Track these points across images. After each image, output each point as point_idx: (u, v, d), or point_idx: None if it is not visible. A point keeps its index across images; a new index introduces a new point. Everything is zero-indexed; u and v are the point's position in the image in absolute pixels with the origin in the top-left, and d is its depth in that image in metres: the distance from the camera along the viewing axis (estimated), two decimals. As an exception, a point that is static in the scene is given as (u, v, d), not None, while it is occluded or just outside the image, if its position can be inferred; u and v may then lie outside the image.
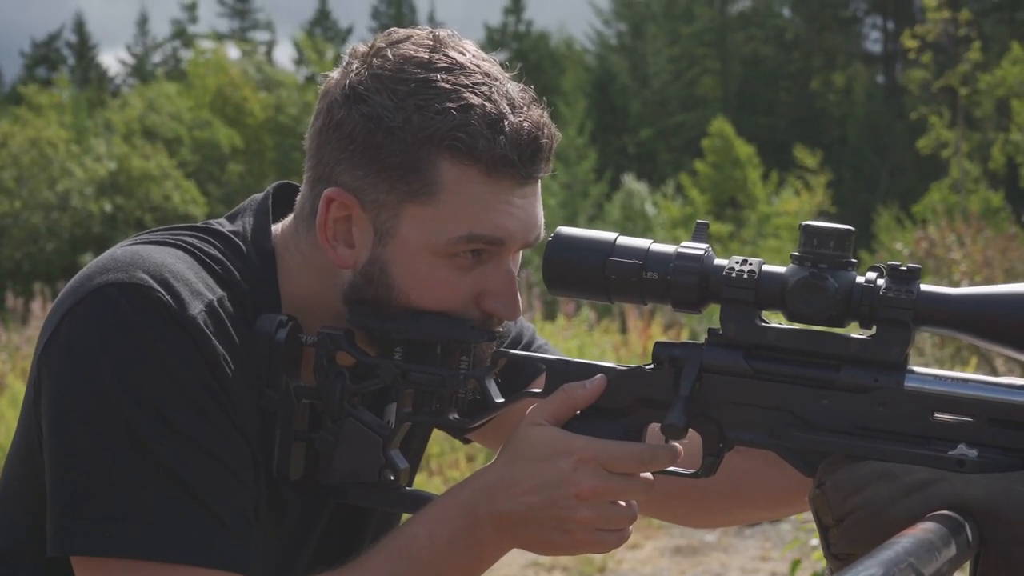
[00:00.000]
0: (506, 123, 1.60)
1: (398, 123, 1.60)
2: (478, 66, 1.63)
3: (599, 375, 1.61)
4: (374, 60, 1.64)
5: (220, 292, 1.63)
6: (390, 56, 1.63)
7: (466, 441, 1.96)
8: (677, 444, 1.59)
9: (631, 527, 1.61)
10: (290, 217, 1.74)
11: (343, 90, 1.64)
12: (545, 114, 1.65)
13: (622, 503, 1.58)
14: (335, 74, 1.68)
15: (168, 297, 1.57)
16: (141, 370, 1.55)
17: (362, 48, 1.68)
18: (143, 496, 1.54)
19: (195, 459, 1.55)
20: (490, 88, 1.62)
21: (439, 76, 1.61)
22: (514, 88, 1.64)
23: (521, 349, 1.89)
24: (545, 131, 1.63)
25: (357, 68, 1.64)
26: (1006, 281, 12.35)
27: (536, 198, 1.67)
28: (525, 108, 1.63)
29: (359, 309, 1.67)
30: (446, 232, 1.61)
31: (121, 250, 1.64)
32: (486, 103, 1.60)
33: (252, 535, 1.61)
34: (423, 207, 1.61)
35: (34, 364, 1.63)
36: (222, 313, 1.61)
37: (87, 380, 1.55)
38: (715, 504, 1.89)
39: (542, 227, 1.68)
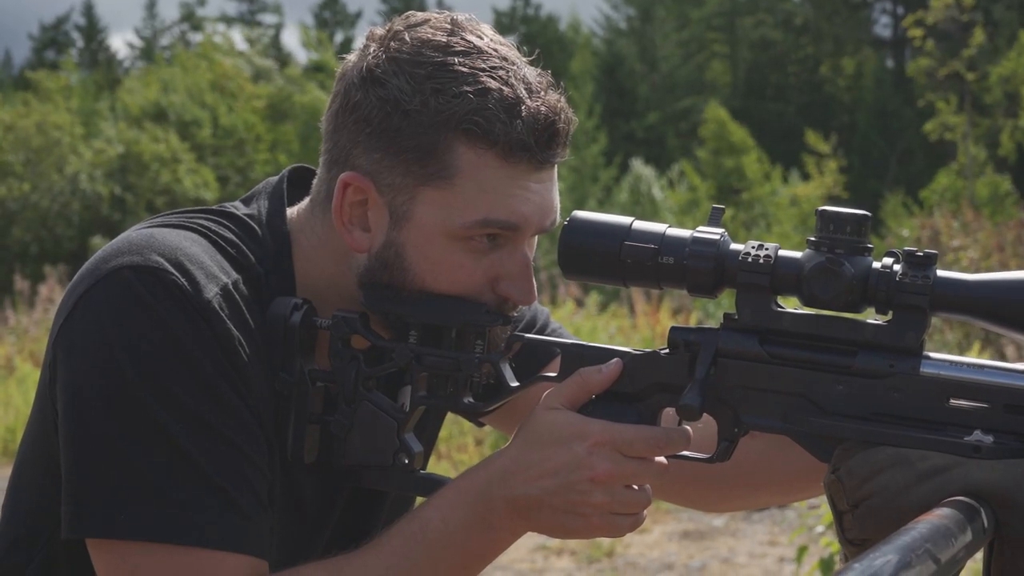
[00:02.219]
0: (523, 107, 1.60)
1: (415, 106, 1.59)
2: (496, 50, 1.63)
3: (615, 359, 1.60)
4: (392, 43, 1.63)
5: (235, 275, 1.63)
6: (408, 39, 1.63)
7: (479, 424, 1.96)
8: (690, 428, 1.59)
9: (645, 512, 1.60)
10: (306, 200, 1.74)
11: (360, 73, 1.63)
12: (562, 99, 1.65)
13: (636, 487, 1.58)
14: (352, 57, 1.68)
15: (183, 280, 1.57)
16: (156, 353, 1.54)
17: (379, 31, 1.67)
18: (158, 479, 1.54)
19: (209, 442, 1.55)
20: (507, 72, 1.61)
21: (456, 60, 1.60)
22: (531, 72, 1.64)
23: (535, 333, 1.89)
24: (562, 116, 1.63)
25: (375, 51, 1.64)
26: (1019, 268, 12.33)
27: (552, 183, 1.67)
28: (542, 93, 1.62)
29: (374, 293, 1.67)
30: (462, 216, 1.61)
31: (136, 233, 1.64)
32: (503, 87, 1.60)
33: (267, 519, 1.61)
34: (439, 191, 1.61)
35: (49, 346, 1.63)
36: (237, 296, 1.61)
37: (102, 363, 1.55)
38: (728, 488, 1.89)
39: (558, 212, 1.68)
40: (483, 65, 1.61)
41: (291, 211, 1.75)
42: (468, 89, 1.59)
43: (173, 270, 1.57)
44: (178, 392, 1.55)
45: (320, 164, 1.71)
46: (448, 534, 1.60)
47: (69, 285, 1.64)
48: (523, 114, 1.60)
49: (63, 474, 1.58)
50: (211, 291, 1.58)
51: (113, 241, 1.65)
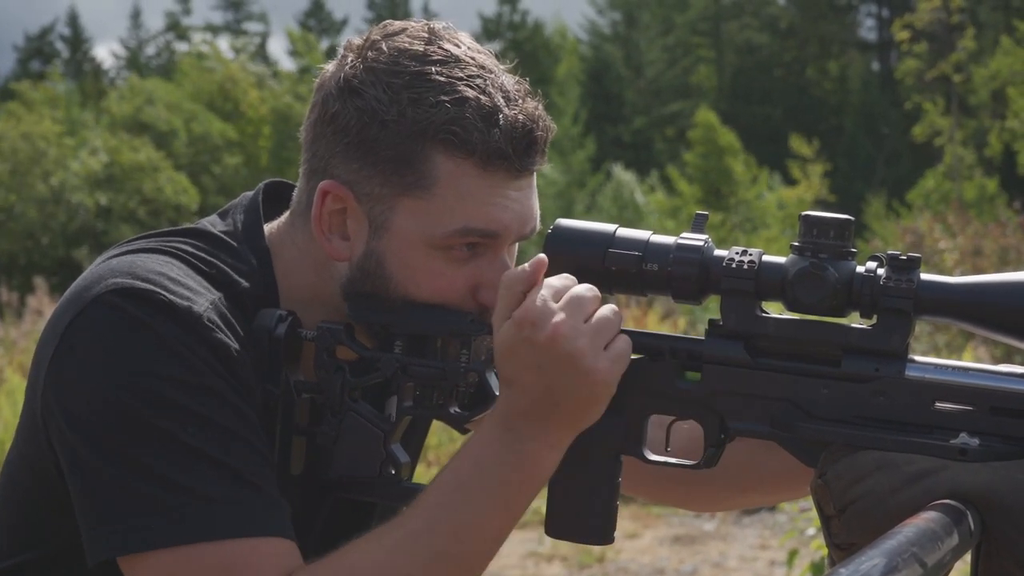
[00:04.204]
0: (500, 116, 1.60)
1: (392, 116, 1.59)
2: (473, 59, 1.63)
3: (538, 255, 1.57)
4: (369, 53, 1.63)
5: (218, 292, 1.62)
6: (384, 49, 1.63)
7: (464, 431, 1.96)
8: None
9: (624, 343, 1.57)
10: (286, 213, 1.74)
11: (338, 83, 1.63)
12: (540, 107, 1.65)
13: (595, 316, 1.54)
14: (330, 67, 1.67)
15: (172, 297, 1.56)
16: (153, 364, 1.53)
17: (357, 41, 1.67)
18: (177, 481, 1.52)
19: (219, 438, 1.54)
20: (485, 81, 1.61)
21: (434, 69, 1.60)
22: (509, 80, 1.64)
23: None
24: (540, 124, 1.63)
25: (352, 61, 1.64)
26: (998, 267, 12.37)
27: (532, 190, 1.67)
28: (520, 101, 1.62)
29: (358, 303, 1.66)
30: (441, 225, 1.61)
31: (116, 260, 1.63)
32: (481, 96, 1.60)
33: (286, 505, 1.59)
34: (418, 200, 1.61)
35: (38, 381, 1.61)
36: (225, 311, 1.61)
37: (99, 388, 1.54)
38: (715, 489, 1.89)
39: (538, 219, 1.68)
40: (460, 74, 1.61)
41: (270, 225, 1.74)
42: (445, 99, 1.59)
43: (160, 290, 1.56)
44: (178, 397, 1.53)
45: (300, 174, 1.71)
46: (482, 470, 1.56)
47: (51, 318, 1.62)
48: (501, 123, 1.59)
49: (77, 503, 1.56)
50: (201, 305, 1.58)
51: (91, 269, 1.63)
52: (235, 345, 1.59)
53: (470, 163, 1.60)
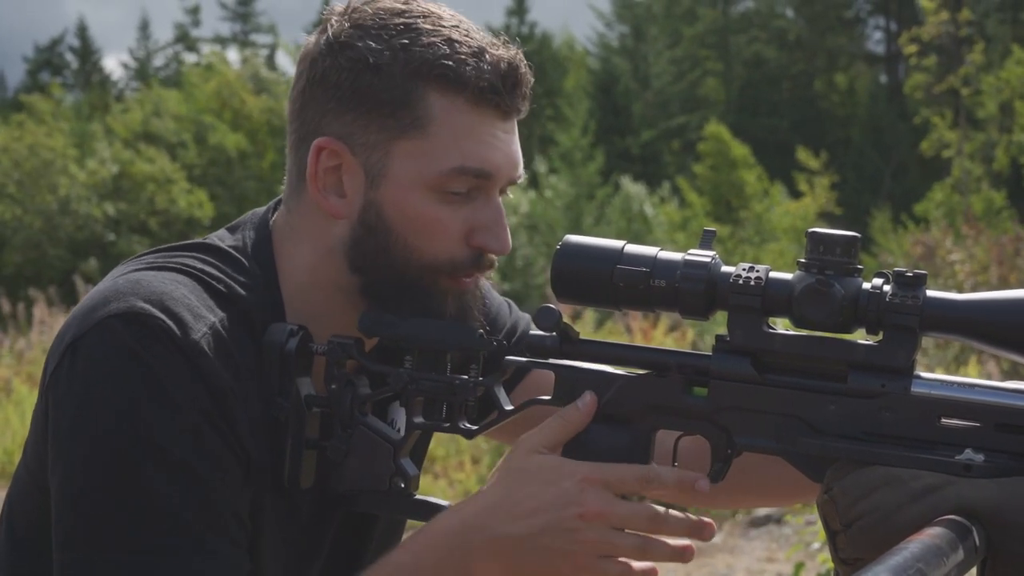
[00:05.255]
0: (488, 55, 1.67)
1: (385, 60, 1.65)
2: (452, 15, 1.71)
3: (588, 393, 1.61)
4: (353, 15, 1.69)
5: (221, 313, 1.64)
6: (368, 10, 1.69)
7: (470, 437, 1.97)
8: (677, 468, 1.60)
9: (637, 565, 1.59)
10: (281, 208, 1.77)
11: (327, 42, 1.68)
12: (520, 53, 1.71)
13: (627, 532, 1.58)
14: (312, 36, 1.72)
15: (171, 323, 1.57)
16: (143, 406, 1.55)
17: (338, 7, 1.72)
18: (136, 529, 1.54)
19: (190, 490, 1.56)
20: (468, 28, 1.69)
21: (419, 20, 1.67)
22: (487, 34, 1.72)
23: (517, 338, 1.93)
24: (522, 66, 1.70)
25: (337, 22, 1.69)
26: (1018, 282, 12.36)
27: (516, 136, 1.72)
28: (501, 45, 1.70)
29: (369, 316, 1.68)
30: (438, 164, 1.65)
31: (123, 279, 1.64)
32: (467, 39, 1.67)
33: (246, 564, 1.61)
34: (414, 141, 1.65)
35: (42, 391, 1.64)
36: (225, 334, 1.62)
37: (89, 417, 1.56)
38: (715, 494, 1.90)
39: (522, 166, 1.74)
40: (444, 24, 1.68)
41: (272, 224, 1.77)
42: (435, 39, 1.65)
43: (160, 314, 1.58)
44: (161, 440, 1.55)
45: (288, 153, 1.75)
46: (420, 571, 1.60)
47: (59, 331, 1.65)
48: (489, 59, 1.66)
49: (53, 522, 1.59)
50: (199, 331, 1.59)
51: (99, 287, 1.65)
52: (228, 376, 1.60)
53: (462, 99, 1.65)
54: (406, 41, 1.65)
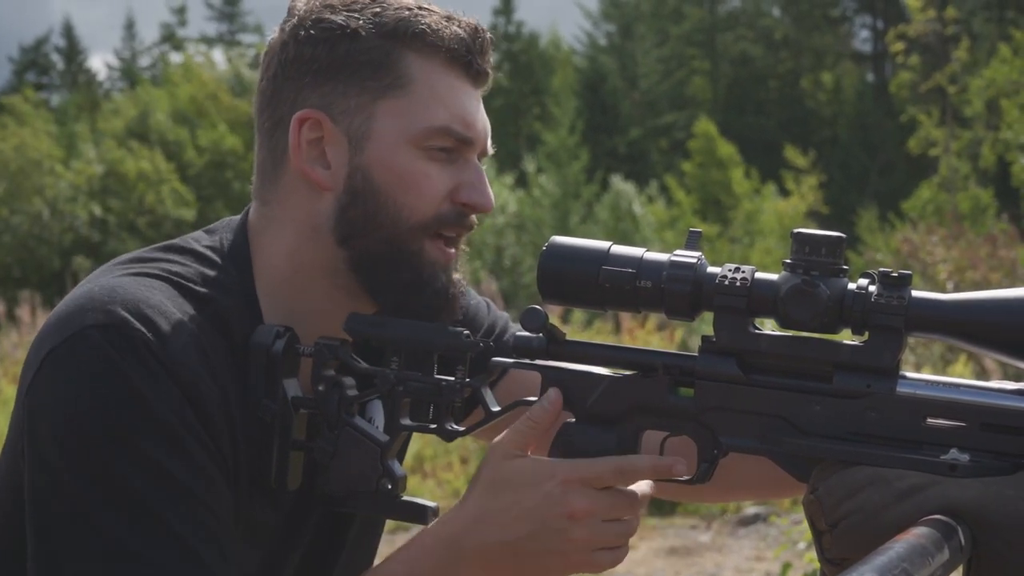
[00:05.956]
0: (456, 20, 1.72)
1: (361, 26, 1.68)
2: None
3: (552, 389, 1.63)
4: (316, 2, 1.71)
5: (198, 317, 1.63)
6: None
7: (450, 439, 1.97)
8: (653, 456, 1.61)
9: (627, 545, 1.62)
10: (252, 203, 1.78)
11: (295, 25, 1.71)
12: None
13: (615, 520, 1.59)
14: (275, 33, 1.75)
15: (148, 333, 1.57)
16: (120, 414, 1.54)
17: (301, 2, 1.74)
18: (122, 537, 1.53)
19: (174, 498, 1.55)
20: (429, 1, 1.74)
21: None
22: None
23: (495, 338, 1.94)
24: (487, 31, 1.75)
25: (303, 10, 1.71)
26: (995, 280, 12.39)
27: (483, 108, 1.77)
28: (463, 14, 1.75)
29: (356, 319, 1.68)
30: (421, 120, 1.68)
31: (99, 287, 1.63)
32: (433, 8, 1.72)
33: (230, 568, 1.60)
34: (396, 100, 1.68)
35: (20, 399, 1.62)
36: (202, 338, 1.62)
37: (68, 428, 1.55)
38: (704, 488, 1.91)
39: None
40: (409, 1, 1.72)
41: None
42: (403, 7, 1.70)
43: (138, 323, 1.57)
44: (142, 448, 1.54)
45: (258, 147, 1.76)
46: None
47: (37, 336, 1.64)
48: (458, 23, 1.72)
49: (28, 535, 1.57)
50: (176, 339, 1.59)
51: (75, 293, 1.65)
52: (206, 380, 1.60)
53: (438, 60, 1.70)
54: (378, 10, 1.69)
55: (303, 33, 1.69)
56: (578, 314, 14.16)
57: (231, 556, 1.61)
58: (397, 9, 1.70)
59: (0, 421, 10.77)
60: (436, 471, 9.43)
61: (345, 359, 1.68)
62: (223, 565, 1.59)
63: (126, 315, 1.57)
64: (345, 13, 1.69)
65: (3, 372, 13.05)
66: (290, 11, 1.73)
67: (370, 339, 1.68)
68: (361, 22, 1.68)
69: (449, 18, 1.72)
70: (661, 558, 7.93)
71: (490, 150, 1.77)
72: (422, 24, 1.69)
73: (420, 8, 1.71)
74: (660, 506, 8.71)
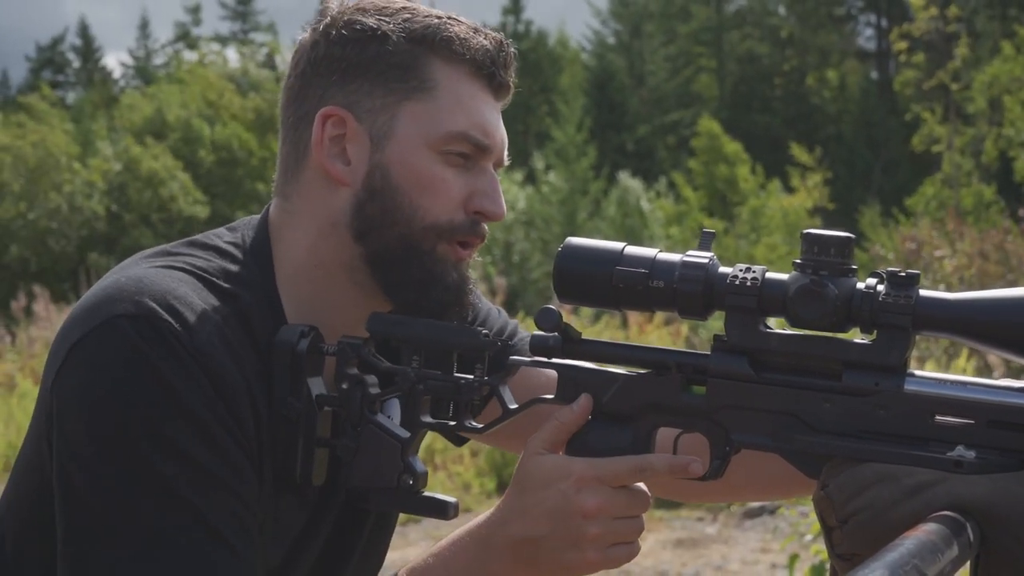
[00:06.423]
0: (481, 33, 1.76)
1: (391, 29, 1.73)
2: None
3: (584, 396, 1.65)
4: (349, 4, 1.76)
5: (224, 310, 1.65)
6: (364, 3, 1.76)
7: (459, 443, 2.00)
8: (669, 455, 1.64)
9: (639, 539, 1.65)
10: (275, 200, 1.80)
11: (326, 28, 1.75)
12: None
13: (628, 517, 1.62)
14: (306, 33, 1.78)
15: (176, 324, 1.59)
16: (151, 404, 1.56)
17: (335, 3, 1.78)
18: (155, 526, 1.55)
19: (205, 486, 1.57)
20: (455, 16, 1.79)
21: (413, 5, 1.76)
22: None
23: (517, 340, 1.98)
24: (511, 48, 1.80)
25: (336, 13, 1.76)
26: (1000, 275, 12.37)
27: (502, 121, 1.81)
28: (486, 29, 1.80)
29: (378, 319, 1.70)
30: (443, 125, 1.72)
31: (125, 278, 1.64)
32: (461, 19, 1.77)
33: (257, 557, 1.63)
34: (421, 103, 1.72)
35: (46, 390, 1.63)
36: (228, 331, 1.64)
37: (98, 420, 1.56)
38: (713, 488, 1.93)
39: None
40: (436, 11, 1.77)
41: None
42: (433, 16, 1.75)
43: (166, 315, 1.59)
44: (173, 439, 1.56)
45: (282, 142, 1.79)
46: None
47: (62, 327, 1.65)
48: (484, 36, 1.76)
49: (59, 523, 1.59)
50: (203, 332, 1.60)
51: (102, 284, 1.66)
52: (233, 373, 1.62)
53: (463, 69, 1.74)
54: (408, 16, 1.74)
55: (334, 33, 1.73)
56: (587, 309, 14.16)
57: (256, 543, 1.63)
58: (427, 17, 1.74)
59: (19, 416, 10.81)
60: (447, 464, 9.45)
61: (367, 358, 1.70)
62: (253, 555, 1.61)
63: (154, 305, 1.59)
64: (377, 16, 1.73)
65: (21, 367, 13.07)
66: (323, 12, 1.77)
67: (391, 338, 1.71)
68: (391, 26, 1.72)
69: (476, 30, 1.77)
70: (668, 550, 7.94)
71: (506, 161, 1.80)
72: (450, 32, 1.73)
73: (449, 18, 1.76)
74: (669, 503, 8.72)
